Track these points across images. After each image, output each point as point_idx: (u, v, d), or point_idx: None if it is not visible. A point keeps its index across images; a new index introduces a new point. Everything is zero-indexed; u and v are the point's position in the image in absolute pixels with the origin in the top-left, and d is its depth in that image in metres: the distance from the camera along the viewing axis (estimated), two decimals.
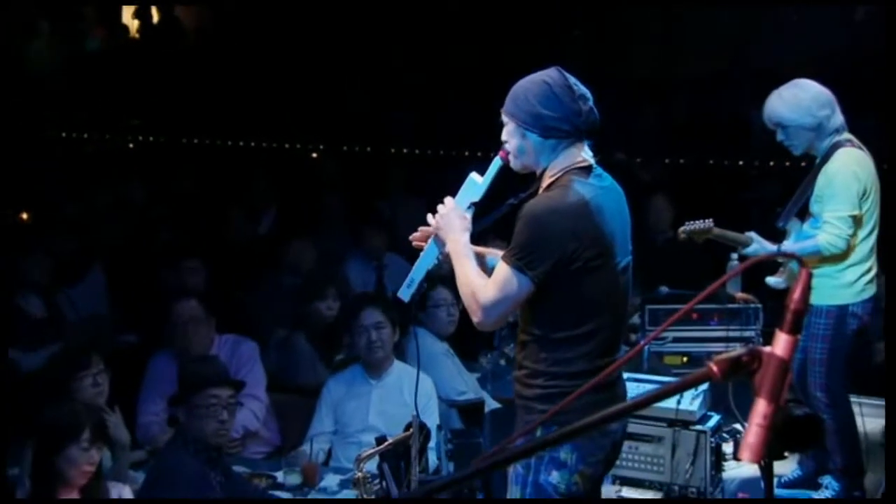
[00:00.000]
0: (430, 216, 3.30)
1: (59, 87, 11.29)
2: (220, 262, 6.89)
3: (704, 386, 4.58)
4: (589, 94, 3.15)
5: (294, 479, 4.64)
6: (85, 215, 8.15)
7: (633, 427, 4.50)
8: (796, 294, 1.80)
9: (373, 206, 8.41)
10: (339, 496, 4.56)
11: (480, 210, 3.28)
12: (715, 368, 1.78)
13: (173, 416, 4.20)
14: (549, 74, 3.15)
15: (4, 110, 9.86)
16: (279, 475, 4.69)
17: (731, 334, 5.43)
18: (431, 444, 4.32)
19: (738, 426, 4.94)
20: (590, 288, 3.08)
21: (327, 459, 4.94)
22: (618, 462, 3.92)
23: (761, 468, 1.96)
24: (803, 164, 4.89)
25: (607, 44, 10.98)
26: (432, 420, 4.70)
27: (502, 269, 3.08)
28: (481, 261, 3.29)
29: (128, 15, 13.07)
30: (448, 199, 3.27)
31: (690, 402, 4.61)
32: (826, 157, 4.51)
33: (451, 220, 3.23)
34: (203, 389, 4.11)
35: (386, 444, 3.82)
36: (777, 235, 4.73)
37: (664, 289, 6.15)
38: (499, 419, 4.84)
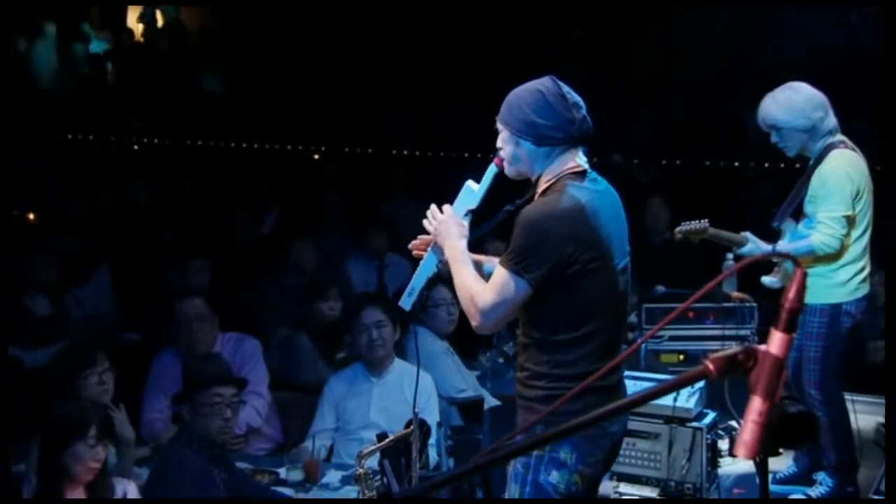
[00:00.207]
0: (425, 221, 3.30)
1: (64, 90, 11.30)
2: (223, 261, 6.89)
3: (700, 383, 4.58)
4: (582, 103, 3.16)
5: (296, 475, 4.64)
6: (90, 216, 8.15)
7: (631, 424, 4.47)
8: (791, 293, 1.80)
9: (374, 206, 8.41)
10: (341, 492, 4.56)
11: (477, 217, 3.28)
12: (711, 366, 1.78)
13: (177, 414, 4.20)
14: (543, 83, 3.15)
15: (11, 112, 9.86)
16: (282, 471, 4.70)
17: (727, 333, 5.44)
18: (432, 440, 4.32)
19: (733, 423, 4.94)
20: (588, 290, 3.08)
21: (329, 456, 4.94)
22: (616, 459, 3.93)
23: (756, 464, 1.95)
24: (798, 165, 4.89)
25: (606, 45, 10.99)
26: (432, 417, 4.70)
27: (500, 274, 3.08)
28: (479, 268, 3.30)
29: (132, 18, 13.07)
30: (446, 207, 3.27)
31: (687, 399, 4.61)
32: (820, 158, 4.52)
33: (449, 227, 3.23)
34: (207, 388, 4.11)
35: (387, 440, 3.83)
36: (772, 235, 4.73)
37: (661, 288, 6.16)
38: (498, 416, 4.84)
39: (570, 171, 3.13)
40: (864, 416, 4.90)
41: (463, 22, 10.94)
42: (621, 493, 4.57)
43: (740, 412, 1.83)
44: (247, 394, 4.81)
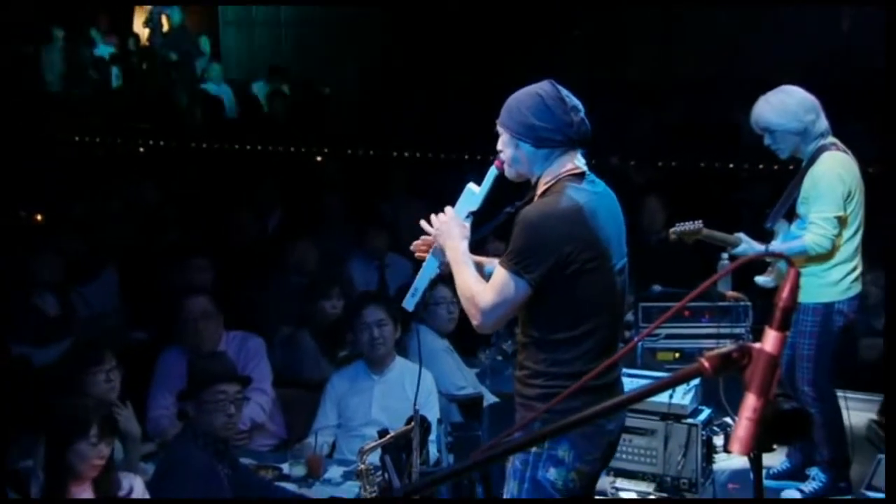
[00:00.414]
0: (424, 223, 3.30)
1: (72, 94, 11.30)
2: (227, 261, 6.88)
3: (696, 381, 4.58)
4: (581, 106, 3.16)
5: (299, 470, 4.64)
6: (97, 216, 8.14)
7: (628, 420, 4.46)
8: (785, 292, 1.80)
9: (375, 207, 8.41)
10: (343, 487, 4.56)
11: (478, 218, 3.29)
12: (706, 364, 1.78)
13: (182, 411, 4.20)
14: (542, 87, 3.16)
15: (19, 115, 9.87)
16: (285, 467, 4.70)
17: (722, 331, 5.44)
18: (432, 437, 4.32)
19: (728, 420, 4.94)
20: (586, 290, 3.08)
21: (331, 452, 4.94)
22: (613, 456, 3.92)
23: (751, 460, 1.95)
24: (791, 167, 4.89)
25: (605, 47, 11.01)
26: (433, 414, 4.69)
27: (500, 274, 3.08)
28: (480, 269, 3.30)
29: (139, 23, 13.08)
30: (448, 209, 3.28)
31: (682, 396, 4.62)
32: (812, 160, 4.52)
33: (451, 228, 3.24)
34: (211, 385, 4.11)
35: (388, 437, 3.83)
36: (765, 236, 4.73)
37: (657, 287, 6.16)
38: (497, 413, 4.84)
39: (568, 172, 3.13)
40: (857, 412, 4.91)
41: (462, 23, 10.94)
42: (618, 489, 4.57)
43: (735, 409, 1.83)
44: (251, 390, 4.81)
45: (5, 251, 6.98)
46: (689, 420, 4.58)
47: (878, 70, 8.45)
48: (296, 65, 12.62)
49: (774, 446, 4.83)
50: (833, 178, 4.45)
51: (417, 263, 3.40)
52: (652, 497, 4.54)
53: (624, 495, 4.54)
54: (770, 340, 1.79)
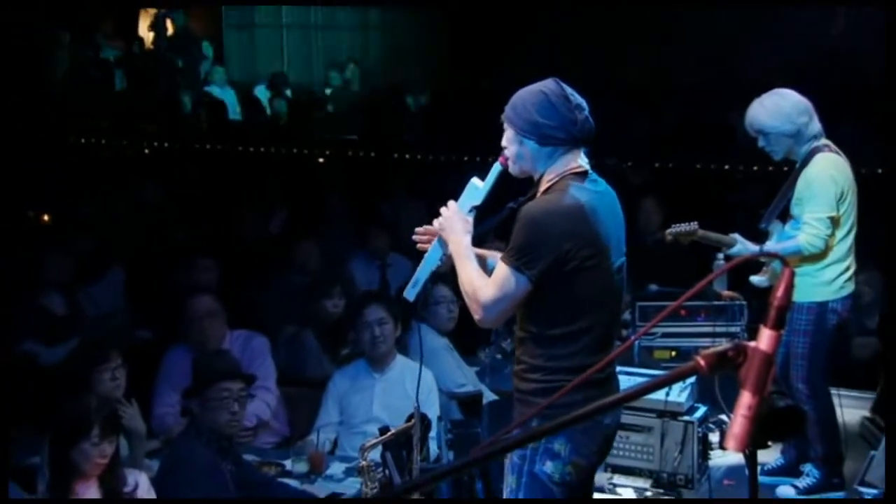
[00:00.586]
0: (435, 221, 3.29)
1: (78, 96, 11.30)
2: (231, 261, 6.88)
3: (692, 379, 4.58)
4: (585, 104, 3.16)
5: (301, 467, 4.64)
6: (103, 217, 8.14)
7: (625, 418, 4.49)
8: (779, 291, 1.80)
9: (376, 208, 8.40)
10: (345, 483, 4.56)
11: (481, 213, 3.28)
12: (702, 362, 1.77)
13: (187, 408, 4.19)
14: (547, 85, 3.15)
15: (28, 118, 9.86)
16: (287, 463, 4.70)
17: (718, 330, 5.43)
18: (432, 434, 4.31)
19: (723, 417, 4.94)
20: (585, 287, 3.08)
21: (333, 449, 4.93)
22: (610, 451, 3.92)
23: (746, 457, 1.95)
24: (785, 168, 4.89)
25: (603, 51, 11.03)
26: (433, 411, 4.69)
27: (501, 270, 3.08)
28: (482, 263, 3.29)
29: (144, 27, 13.08)
30: (451, 203, 3.27)
31: (679, 394, 4.62)
32: (805, 161, 4.52)
33: (454, 222, 3.23)
34: (215, 383, 4.10)
35: (389, 434, 3.82)
36: (760, 236, 4.73)
37: (654, 287, 6.16)
38: (496, 410, 4.84)
39: (571, 171, 3.13)
40: (850, 409, 4.90)
41: (462, 24, 10.96)
42: (615, 485, 4.57)
43: (730, 406, 1.82)
44: (257, 388, 4.85)
45: (13, 251, 6.98)
46: (686, 417, 4.58)
47: (870, 73, 8.48)
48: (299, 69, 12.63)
49: (769, 443, 4.82)
50: (826, 179, 4.45)
51: (419, 260, 3.39)
52: (648, 493, 4.53)
53: (621, 491, 4.54)
54: (765, 339, 1.78)
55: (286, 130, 11.01)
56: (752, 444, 1.78)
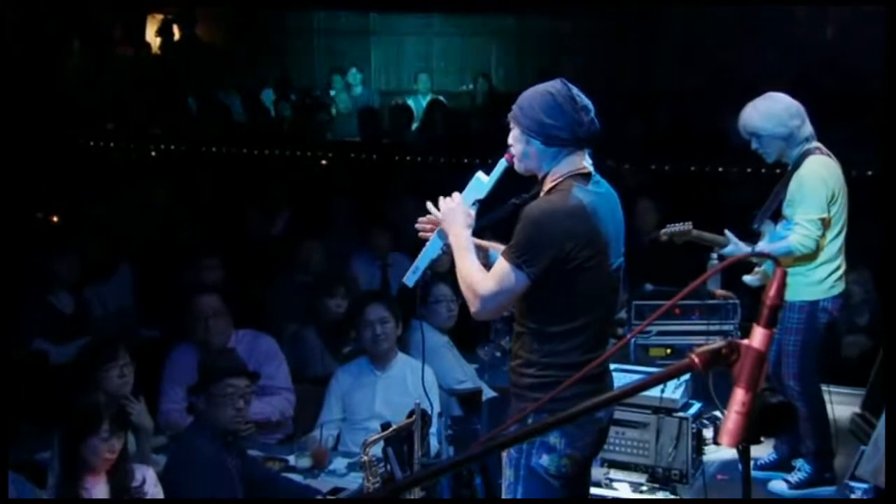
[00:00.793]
0: (430, 205, 3.28)
1: (87, 100, 11.30)
2: (237, 260, 6.88)
3: (686, 376, 4.58)
4: (591, 106, 3.15)
5: (305, 462, 4.64)
6: (111, 218, 8.14)
7: (621, 414, 4.50)
8: (772, 291, 1.80)
9: (378, 209, 8.40)
10: (347, 478, 4.55)
11: (484, 207, 3.28)
12: (696, 360, 1.77)
13: (193, 404, 4.19)
14: (554, 86, 3.15)
15: (38, 122, 9.87)
16: (291, 459, 4.69)
17: (712, 328, 5.43)
18: (432, 429, 4.31)
19: (717, 413, 4.94)
20: (584, 286, 3.08)
21: (336, 444, 4.94)
22: (606, 446, 3.93)
23: (739, 452, 1.95)
24: (777, 170, 4.89)
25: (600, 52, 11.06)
26: (433, 408, 4.69)
27: (501, 265, 3.08)
28: (484, 254, 3.29)
29: (151, 33, 13.07)
30: (455, 195, 3.26)
31: (673, 390, 4.61)
32: (797, 163, 4.52)
33: (457, 214, 3.22)
34: (221, 379, 4.10)
35: (390, 430, 3.82)
36: (752, 236, 4.73)
37: (649, 286, 6.15)
38: (495, 407, 4.84)
39: (575, 172, 3.13)
40: (840, 406, 4.90)
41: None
42: (612, 479, 4.57)
43: (724, 403, 1.83)
44: (278, 389, 5.09)
45: (23, 252, 6.98)
46: (680, 413, 4.58)
47: (861, 77, 8.49)
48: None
49: (762, 438, 4.83)
50: (817, 181, 4.45)
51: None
52: (644, 488, 4.53)
53: (617, 486, 4.54)
54: (757, 337, 1.78)
55: (291, 133, 11.00)
56: (745, 440, 1.78)
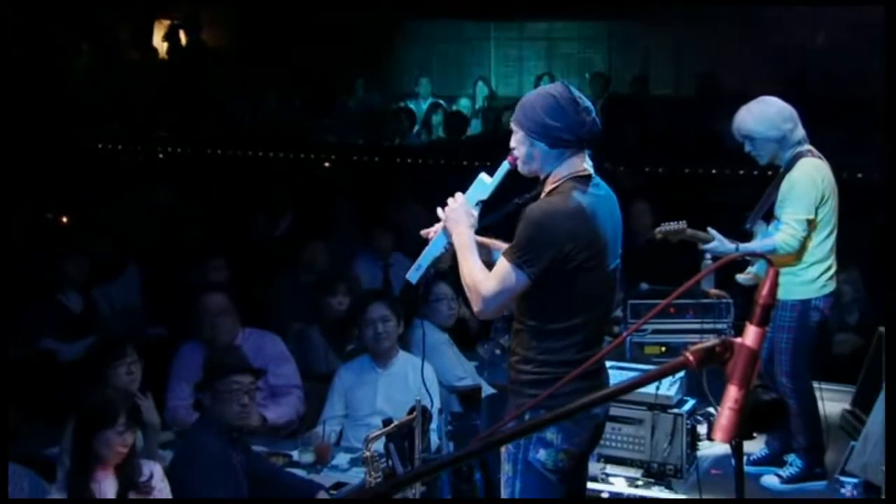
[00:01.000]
0: (439, 210, 3.29)
1: (95, 104, 11.30)
2: (242, 261, 6.88)
3: (681, 373, 4.58)
4: (592, 107, 3.16)
5: (308, 457, 4.64)
6: (119, 219, 8.14)
7: (617, 410, 4.50)
8: (765, 290, 1.80)
9: (380, 210, 8.40)
10: (349, 473, 4.55)
11: (486, 208, 3.28)
12: (691, 357, 1.78)
13: (199, 401, 4.19)
14: (556, 88, 3.16)
15: (47, 124, 9.87)
16: (295, 454, 4.69)
17: (706, 326, 5.43)
18: (433, 426, 4.31)
19: (711, 409, 4.94)
20: (582, 286, 3.09)
21: (338, 440, 4.94)
22: (603, 442, 3.93)
23: (732, 447, 1.95)
24: (769, 172, 4.89)
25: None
26: (434, 404, 4.69)
27: (503, 265, 3.08)
28: (487, 252, 3.29)
29: (158, 38, 13.08)
30: (459, 195, 3.27)
31: (668, 387, 4.61)
32: (789, 165, 4.52)
33: (460, 214, 3.23)
34: (226, 376, 4.11)
35: (392, 426, 3.82)
36: (745, 236, 4.73)
37: (644, 285, 6.15)
38: (494, 403, 4.84)
39: (576, 174, 3.13)
40: (831, 402, 4.91)
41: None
42: (608, 474, 4.57)
43: (717, 399, 1.83)
44: (291, 388, 5.14)
45: (33, 252, 6.98)
46: (675, 410, 4.58)
47: (853, 82, 8.50)
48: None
49: (754, 434, 4.83)
50: (808, 182, 4.46)
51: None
52: (640, 482, 4.53)
53: (613, 480, 4.54)
54: (750, 335, 1.79)
55: (294, 135, 10.99)
56: (738, 435, 1.78)
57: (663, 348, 5.70)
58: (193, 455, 4.04)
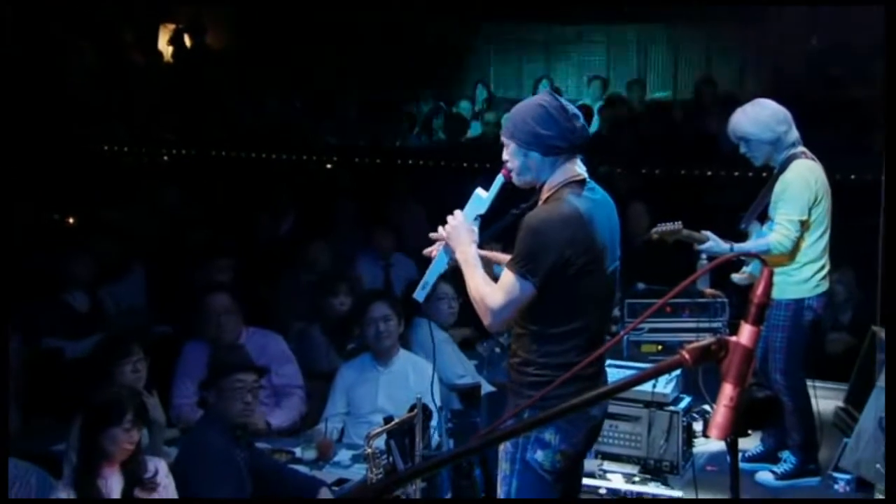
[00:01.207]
0: (440, 228, 3.29)
1: (100, 106, 11.30)
2: (246, 261, 6.88)
3: (677, 371, 4.58)
4: (580, 113, 3.17)
5: (310, 454, 4.64)
6: (124, 219, 8.14)
7: (614, 408, 4.50)
8: (759, 289, 1.80)
9: (381, 211, 8.40)
10: (351, 470, 4.56)
11: (485, 221, 3.29)
12: (686, 356, 1.78)
13: (203, 398, 4.20)
14: (544, 98, 3.16)
15: (53, 126, 9.87)
16: (297, 451, 4.70)
17: (701, 325, 5.44)
18: (433, 423, 4.31)
19: (706, 407, 4.94)
20: (582, 290, 3.08)
21: (340, 437, 4.94)
22: (600, 439, 3.93)
23: (727, 444, 1.95)
24: (763, 174, 4.89)
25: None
26: (434, 402, 4.69)
27: (508, 277, 3.08)
28: (488, 266, 3.29)
29: (163, 41, 13.08)
30: (457, 213, 3.27)
31: (664, 385, 4.62)
32: (783, 167, 4.52)
33: (460, 232, 3.22)
34: (230, 374, 4.11)
35: (393, 423, 3.82)
36: (740, 237, 4.74)
37: (641, 285, 6.15)
38: (494, 401, 4.84)
39: (571, 180, 3.13)
40: (824, 400, 4.91)
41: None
42: (605, 471, 4.57)
43: (713, 397, 1.83)
44: (294, 388, 5.13)
45: (39, 252, 6.98)
46: (671, 407, 4.58)
47: (846, 84, 8.49)
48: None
49: (749, 431, 4.84)
50: (801, 184, 4.46)
51: (420, 262, 3.39)
52: (636, 479, 4.53)
53: (610, 476, 4.54)
54: (745, 334, 1.79)
55: (296, 137, 10.99)
56: (733, 433, 1.78)
57: (660, 347, 5.70)
58: (198, 452, 4.04)
